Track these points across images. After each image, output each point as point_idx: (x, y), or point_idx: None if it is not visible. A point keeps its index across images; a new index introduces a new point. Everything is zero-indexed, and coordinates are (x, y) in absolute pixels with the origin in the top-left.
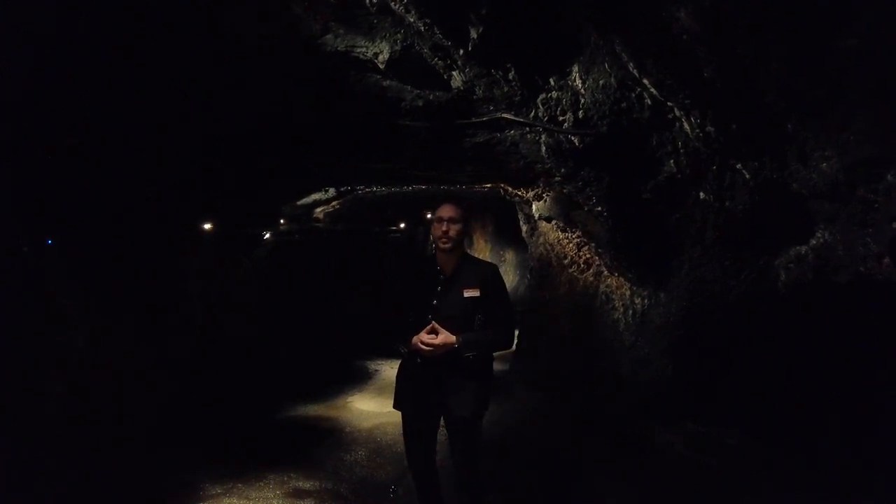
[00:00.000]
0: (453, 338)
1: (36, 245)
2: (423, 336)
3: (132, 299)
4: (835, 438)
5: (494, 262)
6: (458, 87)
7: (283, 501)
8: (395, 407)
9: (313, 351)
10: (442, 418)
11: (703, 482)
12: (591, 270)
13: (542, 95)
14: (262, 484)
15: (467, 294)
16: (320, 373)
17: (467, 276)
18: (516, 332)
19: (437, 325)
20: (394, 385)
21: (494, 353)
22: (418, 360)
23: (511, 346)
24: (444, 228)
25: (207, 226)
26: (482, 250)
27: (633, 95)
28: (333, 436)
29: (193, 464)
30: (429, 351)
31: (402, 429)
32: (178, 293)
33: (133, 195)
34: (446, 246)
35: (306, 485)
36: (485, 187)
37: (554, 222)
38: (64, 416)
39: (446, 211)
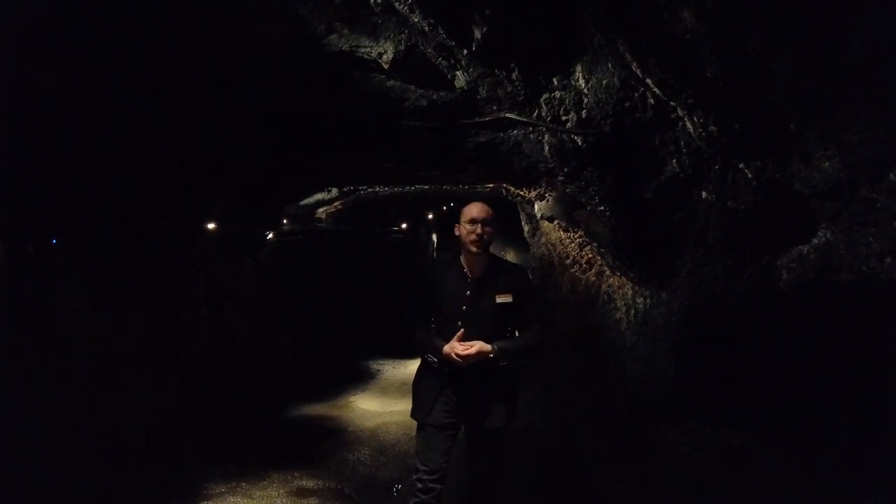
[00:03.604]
0: (489, 346)
1: (40, 244)
2: (457, 346)
3: (138, 299)
4: (838, 438)
5: None
6: (461, 87)
7: (286, 500)
8: (413, 417)
9: (316, 351)
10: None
11: (708, 482)
12: (593, 270)
13: (546, 95)
14: (265, 483)
15: (500, 300)
16: (323, 373)
17: (498, 280)
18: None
19: (466, 343)
20: (396, 384)
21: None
22: (446, 370)
23: (545, 351)
24: (478, 231)
25: (212, 226)
26: None
27: (636, 95)
28: (337, 435)
29: (198, 463)
30: (463, 361)
31: (419, 441)
32: (183, 293)
33: (138, 196)
34: (477, 250)
35: (310, 484)
36: (487, 187)
37: (556, 222)
38: (68, 415)
39: (481, 212)
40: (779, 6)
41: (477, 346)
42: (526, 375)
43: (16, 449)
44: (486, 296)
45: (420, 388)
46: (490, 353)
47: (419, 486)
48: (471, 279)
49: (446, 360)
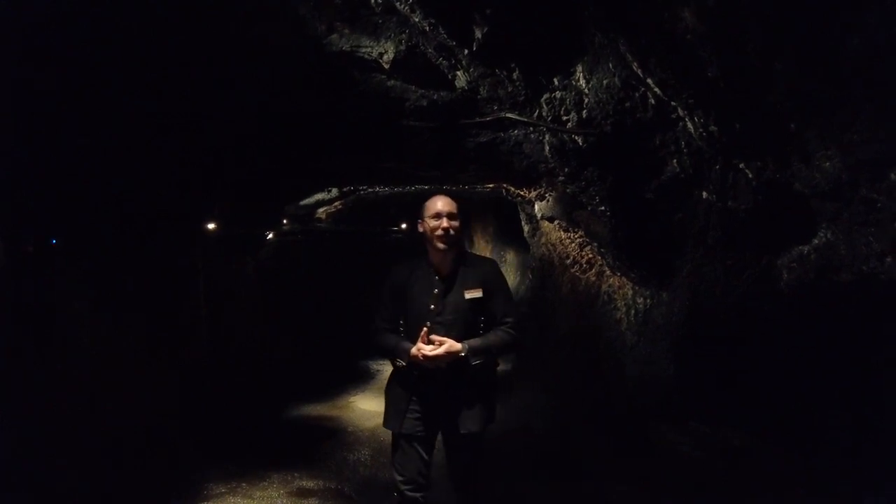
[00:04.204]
0: (458, 345)
1: (40, 244)
2: (424, 347)
3: (138, 299)
4: (838, 438)
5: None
6: (462, 87)
7: (287, 501)
8: (386, 426)
9: (316, 351)
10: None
11: (708, 482)
12: (594, 270)
13: (546, 95)
14: (266, 483)
15: (469, 295)
16: (323, 373)
17: (466, 275)
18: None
19: (436, 336)
20: None
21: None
22: (415, 373)
23: (519, 348)
24: (444, 225)
25: (212, 226)
26: (483, 251)
27: (637, 95)
28: (337, 435)
29: (198, 463)
30: (431, 362)
31: (394, 452)
32: (183, 293)
33: (138, 196)
34: (445, 246)
35: (310, 484)
36: (487, 187)
37: (556, 222)
38: (68, 415)
39: (445, 205)
40: (779, 6)
41: (445, 345)
42: (501, 376)
43: (16, 449)
44: (455, 293)
45: (391, 396)
46: (460, 352)
47: (399, 498)
48: (439, 277)
49: (414, 363)
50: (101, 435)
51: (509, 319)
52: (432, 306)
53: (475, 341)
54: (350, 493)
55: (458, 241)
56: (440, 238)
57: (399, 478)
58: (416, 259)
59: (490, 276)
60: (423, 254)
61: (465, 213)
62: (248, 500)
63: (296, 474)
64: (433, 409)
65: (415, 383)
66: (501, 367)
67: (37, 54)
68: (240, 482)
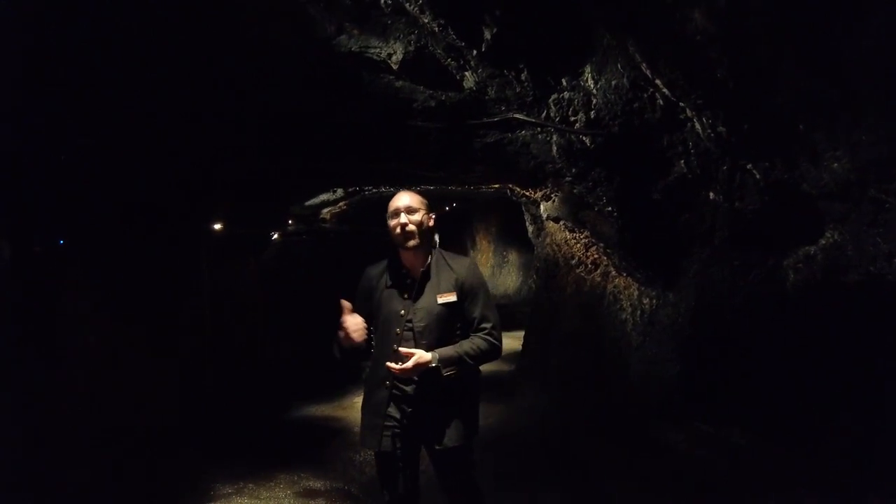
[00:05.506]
0: (428, 356)
1: (48, 245)
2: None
3: (143, 300)
4: (843, 439)
5: (497, 263)
6: (470, 88)
7: (294, 501)
8: (364, 445)
9: (320, 351)
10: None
11: (712, 482)
12: (599, 271)
13: (554, 96)
14: (272, 484)
15: (442, 300)
16: (328, 373)
17: (440, 277)
18: (503, 337)
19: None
20: None
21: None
22: (387, 384)
23: (499, 355)
24: (401, 221)
25: (217, 226)
26: (485, 251)
27: (645, 96)
28: (342, 435)
29: (204, 464)
30: (401, 372)
31: (377, 470)
32: (187, 294)
33: (138, 196)
34: (410, 243)
35: (317, 484)
36: (492, 188)
37: (562, 223)
38: (75, 416)
39: (402, 200)
40: (786, 7)
41: (414, 357)
42: (476, 377)
43: (16, 449)
44: (427, 297)
45: (365, 413)
46: (430, 362)
47: None
48: (410, 279)
49: (389, 371)
50: (101, 435)
51: (486, 325)
52: (402, 311)
53: (447, 350)
54: (357, 493)
55: (422, 237)
56: (398, 237)
57: (386, 496)
58: (388, 260)
59: (466, 278)
60: (395, 255)
61: (464, 212)
62: (255, 500)
63: (302, 474)
64: (409, 425)
65: (388, 398)
66: (505, 367)
67: (37, 54)
68: (246, 482)
